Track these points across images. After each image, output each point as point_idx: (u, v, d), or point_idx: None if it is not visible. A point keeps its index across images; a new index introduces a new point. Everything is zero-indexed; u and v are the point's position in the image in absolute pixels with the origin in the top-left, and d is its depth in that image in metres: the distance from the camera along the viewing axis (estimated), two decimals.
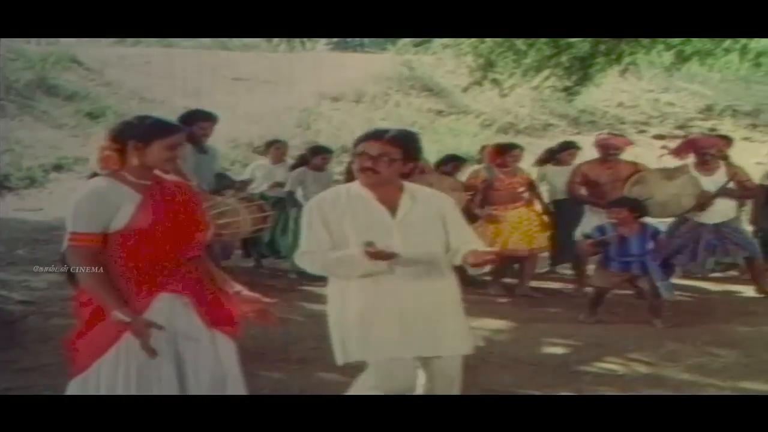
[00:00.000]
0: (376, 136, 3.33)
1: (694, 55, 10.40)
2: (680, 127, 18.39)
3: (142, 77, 16.27)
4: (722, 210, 6.84)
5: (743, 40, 9.65)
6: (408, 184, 3.43)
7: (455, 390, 3.43)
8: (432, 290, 3.32)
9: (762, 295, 6.95)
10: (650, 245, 6.04)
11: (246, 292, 3.26)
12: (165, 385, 3.02)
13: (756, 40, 9.57)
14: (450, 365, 3.40)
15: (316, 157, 7.79)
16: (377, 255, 3.16)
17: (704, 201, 6.69)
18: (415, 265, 3.28)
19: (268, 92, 16.58)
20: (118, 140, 3.08)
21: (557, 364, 5.12)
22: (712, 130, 16.95)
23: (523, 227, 6.98)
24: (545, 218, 7.19)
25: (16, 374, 4.51)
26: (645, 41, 9.84)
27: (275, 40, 17.71)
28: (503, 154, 7.08)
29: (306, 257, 3.38)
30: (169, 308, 3.06)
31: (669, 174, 6.75)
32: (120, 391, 2.99)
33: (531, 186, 7.25)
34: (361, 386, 3.38)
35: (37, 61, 15.21)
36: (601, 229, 6.23)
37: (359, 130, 16.90)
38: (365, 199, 3.33)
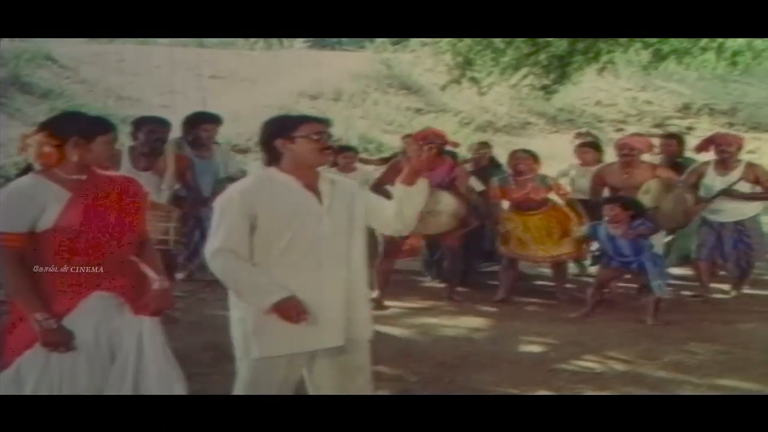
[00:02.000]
0: (309, 119, 3.28)
1: (672, 53, 10.47)
2: (658, 126, 18.48)
3: (118, 75, 16.13)
4: (740, 208, 6.74)
5: (720, 39, 9.72)
6: (319, 169, 3.31)
7: (367, 380, 3.32)
8: (346, 279, 3.20)
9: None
10: (642, 241, 6.01)
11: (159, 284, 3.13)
12: (90, 385, 2.98)
13: (732, 39, 9.64)
14: (357, 354, 3.27)
15: None
16: (288, 315, 3.05)
17: (694, 213, 6.58)
18: (338, 255, 3.17)
19: (245, 90, 16.50)
20: (57, 136, 3.02)
21: (535, 363, 5.12)
22: (690, 128, 17.07)
23: (538, 233, 6.77)
24: (561, 224, 6.80)
25: None
26: (622, 40, 9.89)
27: (253, 38, 17.64)
28: (510, 159, 6.93)
29: (221, 257, 3.09)
30: (100, 308, 3.01)
31: (668, 184, 6.56)
32: (45, 389, 2.94)
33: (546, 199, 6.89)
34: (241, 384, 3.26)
35: (11, 58, 15.02)
36: (594, 228, 6.28)
37: (338, 128, 16.86)
38: (290, 186, 3.18)
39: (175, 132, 6.36)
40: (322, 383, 3.28)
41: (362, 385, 3.30)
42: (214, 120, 6.17)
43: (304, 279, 3.11)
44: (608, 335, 5.69)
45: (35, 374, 2.97)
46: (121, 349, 3.02)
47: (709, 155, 6.93)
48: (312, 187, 3.20)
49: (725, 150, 6.74)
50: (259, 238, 3.12)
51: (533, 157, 6.86)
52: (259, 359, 3.17)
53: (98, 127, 3.09)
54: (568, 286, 7.02)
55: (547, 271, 7.59)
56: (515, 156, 6.87)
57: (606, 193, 6.79)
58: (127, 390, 2.99)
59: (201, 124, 6.05)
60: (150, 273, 3.11)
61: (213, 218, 3.19)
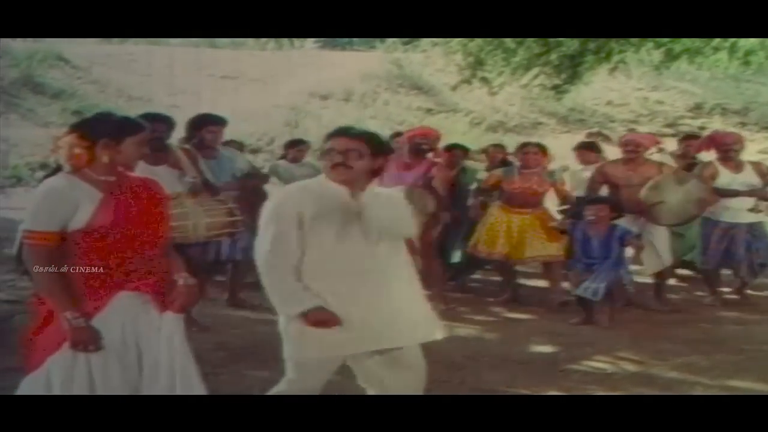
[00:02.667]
0: (342, 132, 3.32)
1: (684, 53, 10.44)
2: (669, 126, 18.45)
3: (129, 75, 16.21)
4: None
5: (732, 39, 9.67)
6: (371, 185, 3.36)
7: (421, 379, 3.35)
8: (395, 284, 3.26)
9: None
10: (616, 247, 5.92)
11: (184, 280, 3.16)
12: (123, 384, 2.99)
13: (745, 38, 9.60)
14: (409, 355, 3.32)
15: (292, 149, 7.85)
16: (320, 323, 3.12)
17: (709, 203, 6.35)
18: (384, 261, 3.24)
19: (256, 90, 16.54)
20: (87, 138, 3.03)
21: (546, 363, 5.10)
22: (702, 128, 16.99)
23: (524, 234, 6.56)
24: (553, 226, 6.60)
25: (1, 374, 4.47)
26: (634, 39, 9.86)
27: (263, 38, 17.67)
28: (519, 151, 6.83)
29: (267, 263, 3.18)
30: (127, 307, 3.03)
31: (680, 178, 6.35)
32: (76, 389, 2.95)
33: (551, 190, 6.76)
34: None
35: (23, 59, 15.13)
36: (574, 226, 6.17)
37: None
38: (337, 195, 3.25)
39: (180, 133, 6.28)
40: (372, 376, 3.33)
41: (414, 384, 3.33)
42: (218, 122, 6.01)
43: (348, 287, 3.18)
44: (619, 336, 5.66)
45: (63, 375, 2.98)
46: (146, 348, 3.04)
47: (709, 155, 6.84)
48: (358, 197, 3.27)
49: (731, 149, 6.60)
50: (304, 244, 3.18)
51: (543, 152, 6.76)
52: (300, 362, 3.25)
53: (127, 128, 3.10)
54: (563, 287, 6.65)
55: None
56: (525, 149, 6.76)
57: (605, 190, 6.59)
58: (152, 388, 3.01)
59: (205, 125, 5.91)
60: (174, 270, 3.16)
61: (261, 222, 3.24)
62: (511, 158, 7.88)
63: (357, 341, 3.22)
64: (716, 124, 17.91)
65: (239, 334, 5.49)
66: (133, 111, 11.00)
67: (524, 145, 6.97)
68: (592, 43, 10.01)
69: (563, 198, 6.83)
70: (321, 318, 3.13)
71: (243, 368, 4.73)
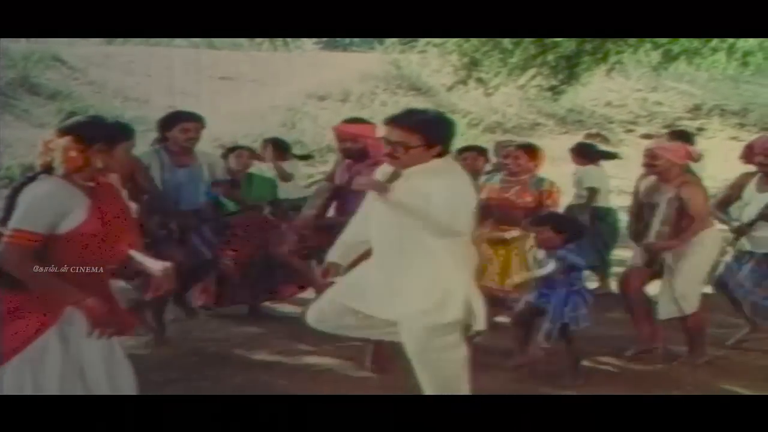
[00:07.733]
0: (399, 120, 3.56)
1: (682, 54, 10.43)
2: (668, 127, 18.40)
3: (126, 76, 16.17)
4: None
5: (730, 40, 9.66)
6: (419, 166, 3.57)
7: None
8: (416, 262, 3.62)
9: None
10: (562, 280, 4.63)
11: None
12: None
13: (743, 39, 9.58)
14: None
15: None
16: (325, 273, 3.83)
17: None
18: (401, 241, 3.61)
19: (253, 91, 16.51)
20: (83, 141, 2.98)
21: (553, 363, 5.05)
22: (701, 129, 16.98)
23: (501, 260, 5.20)
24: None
25: None
26: (631, 40, 9.84)
27: (259, 38, 17.64)
28: (498, 152, 5.41)
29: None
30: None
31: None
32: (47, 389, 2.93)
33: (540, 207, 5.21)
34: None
35: (20, 60, 15.07)
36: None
37: None
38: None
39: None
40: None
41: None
42: (194, 119, 5.22)
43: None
44: (627, 335, 5.54)
45: (34, 373, 2.93)
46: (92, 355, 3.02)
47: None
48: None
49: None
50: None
51: (529, 154, 5.32)
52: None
53: (121, 133, 3.08)
54: None
55: None
56: (505, 151, 5.33)
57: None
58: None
59: (178, 123, 5.13)
60: (149, 262, 3.14)
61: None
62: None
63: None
64: (715, 125, 17.90)
65: (213, 339, 5.50)
66: (130, 112, 10.91)
67: (501, 144, 5.59)
68: (589, 44, 9.99)
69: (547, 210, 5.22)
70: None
71: (217, 374, 4.69)
